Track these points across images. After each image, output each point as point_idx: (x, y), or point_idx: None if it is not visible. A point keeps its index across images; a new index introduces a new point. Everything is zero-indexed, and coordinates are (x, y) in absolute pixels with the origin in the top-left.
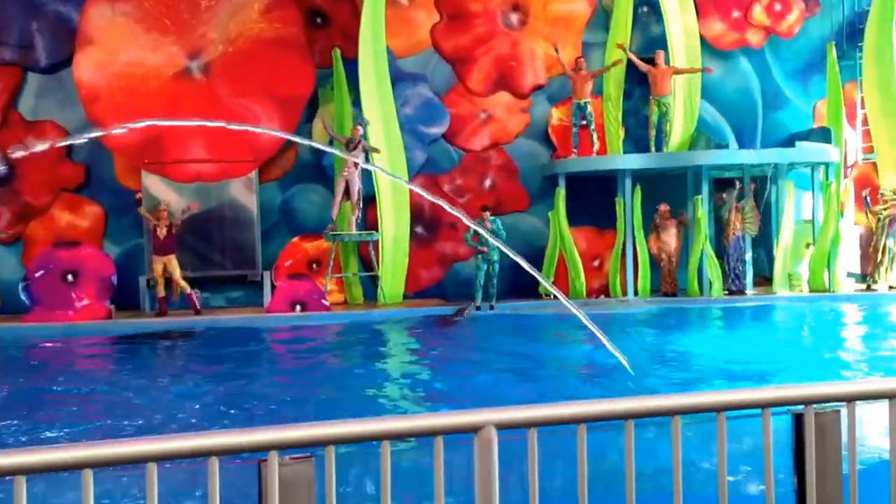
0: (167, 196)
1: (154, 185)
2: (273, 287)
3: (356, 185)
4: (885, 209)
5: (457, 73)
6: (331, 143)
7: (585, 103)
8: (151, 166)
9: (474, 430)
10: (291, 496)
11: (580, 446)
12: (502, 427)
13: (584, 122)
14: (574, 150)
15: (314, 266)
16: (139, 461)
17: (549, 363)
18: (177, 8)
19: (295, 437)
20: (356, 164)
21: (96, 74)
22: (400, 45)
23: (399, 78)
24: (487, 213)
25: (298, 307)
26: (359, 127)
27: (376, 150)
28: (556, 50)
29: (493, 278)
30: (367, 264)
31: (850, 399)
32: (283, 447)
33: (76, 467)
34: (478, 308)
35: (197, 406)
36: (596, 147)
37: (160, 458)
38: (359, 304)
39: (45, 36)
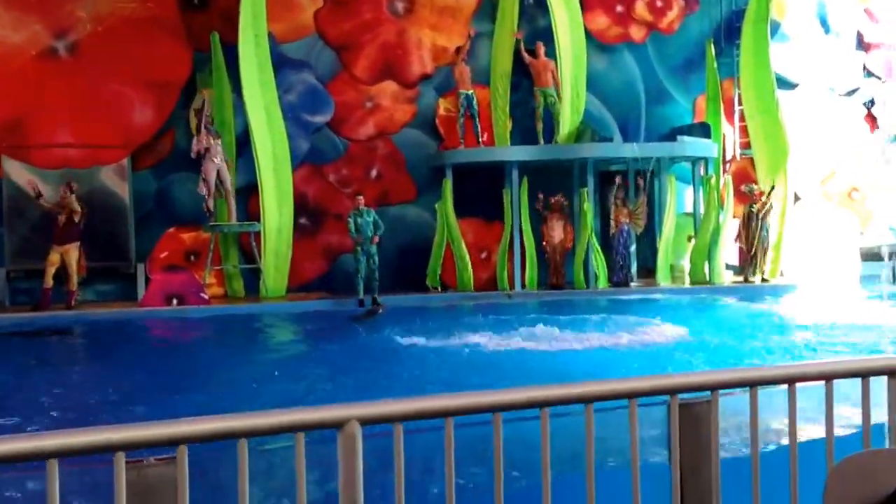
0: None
1: (15, 171)
2: (147, 280)
3: (226, 174)
4: (754, 205)
5: (341, 59)
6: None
7: (472, 94)
8: (13, 151)
9: (337, 425)
10: (159, 499)
11: (447, 442)
12: (366, 422)
13: (470, 113)
14: (461, 141)
15: (192, 258)
16: None
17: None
18: None
19: (143, 436)
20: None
21: None
22: (282, 30)
23: (281, 64)
24: (361, 199)
25: (175, 301)
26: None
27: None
28: (458, 50)
29: (375, 271)
30: (249, 256)
31: (716, 387)
32: (133, 447)
33: None
34: (361, 303)
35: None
36: (482, 138)
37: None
38: (240, 298)
39: None
